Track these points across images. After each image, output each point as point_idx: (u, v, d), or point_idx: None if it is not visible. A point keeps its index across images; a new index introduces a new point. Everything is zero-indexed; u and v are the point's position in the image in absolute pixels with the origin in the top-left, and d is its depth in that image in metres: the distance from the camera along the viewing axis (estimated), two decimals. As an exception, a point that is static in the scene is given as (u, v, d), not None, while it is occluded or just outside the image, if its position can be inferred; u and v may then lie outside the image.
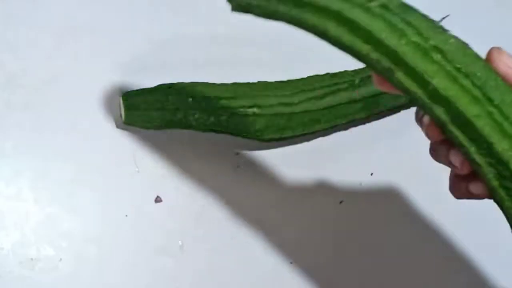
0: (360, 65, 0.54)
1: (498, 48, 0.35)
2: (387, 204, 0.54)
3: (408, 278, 0.54)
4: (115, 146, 0.51)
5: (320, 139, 0.54)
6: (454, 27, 0.61)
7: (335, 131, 0.55)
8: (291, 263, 0.51)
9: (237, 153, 0.53)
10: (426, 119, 0.36)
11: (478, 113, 0.33)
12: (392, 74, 0.33)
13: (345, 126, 0.55)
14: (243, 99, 0.50)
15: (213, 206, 0.51)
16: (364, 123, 0.55)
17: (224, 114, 0.50)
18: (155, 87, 0.50)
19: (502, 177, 0.34)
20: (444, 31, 0.34)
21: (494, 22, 0.62)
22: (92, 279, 0.48)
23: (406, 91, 0.34)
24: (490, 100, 0.33)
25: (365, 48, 0.33)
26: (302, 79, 0.53)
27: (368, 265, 0.53)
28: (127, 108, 0.49)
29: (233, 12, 0.37)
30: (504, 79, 0.34)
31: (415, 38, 0.33)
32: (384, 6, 0.33)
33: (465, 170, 0.36)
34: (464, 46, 0.34)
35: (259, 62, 0.55)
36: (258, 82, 0.52)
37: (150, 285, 0.49)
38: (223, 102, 0.50)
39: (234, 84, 0.52)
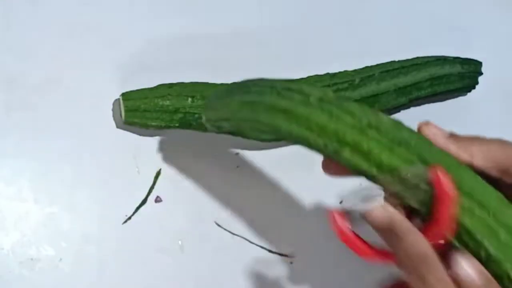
0: (359, 65, 0.55)
1: (426, 122, 0.39)
2: (387, 204, 0.54)
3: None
4: (115, 146, 0.51)
5: (320, 139, 0.54)
6: (455, 27, 0.61)
7: (335, 131, 0.55)
8: (291, 263, 0.51)
9: (237, 153, 0.53)
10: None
11: None
12: (339, 154, 0.37)
13: (345, 126, 0.55)
14: (243, 99, 0.50)
15: (213, 206, 0.51)
16: (364, 123, 0.55)
17: (224, 114, 0.50)
18: (155, 87, 0.50)
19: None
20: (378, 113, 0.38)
21: (494, 22, 0.62)
22: (92, 279, 0.48)
23: (354, 167, 0.37)
24: (425, 162, 0.36)
25: (311, 136, 0.38)
26: (302, 79, 0.53)
27: (368, 265, 0.53)
28: (127, 108, 0.49)
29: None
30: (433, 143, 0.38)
31: (350, 120, 0.37)
32: (320, 99, 0.38)
33: None
34: (397, 122, 0.38)
35: (259, 62, 0.55)
36: (258, 82, 0.52)
37: (150, 285, 0.49)
38: (223, 102, 0.50)
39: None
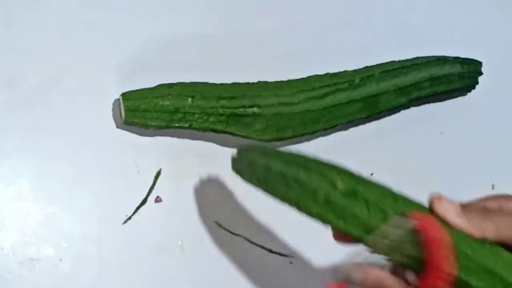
0: (359, 65, 0.55)
1: (438, 197, 0.39)
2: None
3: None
4: (115, 146, 0.51)
5: (320, 139, 0.54)
6: (455, 27, 0.61)
7: (335, 131, 0.55)
8: (291, 263, 0.51)
9: (237, 153, 0.53)
10: None
11: None
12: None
13: (345, 126, 0.55)
14: (243, 99, 0.50)
15: (213, 206, 0.51)
16: (364, 123, 0.55)
17: (224, 114, 0.50)
18: (155, 87, 0.50)
19: None
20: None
21: (494, 22, 0.62)
22: (92, 279, 0.48)
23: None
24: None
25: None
26: (302, 79, 0.53)
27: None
28: (127, 108, 0.49)
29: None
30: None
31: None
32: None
33: None
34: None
35: (259, 62, 0.55)
36: (258, 82, 0.52)
37: (150, 285, 0.49)
38: (223, 102, 0.50)
39: (234, 84, 0.52)
